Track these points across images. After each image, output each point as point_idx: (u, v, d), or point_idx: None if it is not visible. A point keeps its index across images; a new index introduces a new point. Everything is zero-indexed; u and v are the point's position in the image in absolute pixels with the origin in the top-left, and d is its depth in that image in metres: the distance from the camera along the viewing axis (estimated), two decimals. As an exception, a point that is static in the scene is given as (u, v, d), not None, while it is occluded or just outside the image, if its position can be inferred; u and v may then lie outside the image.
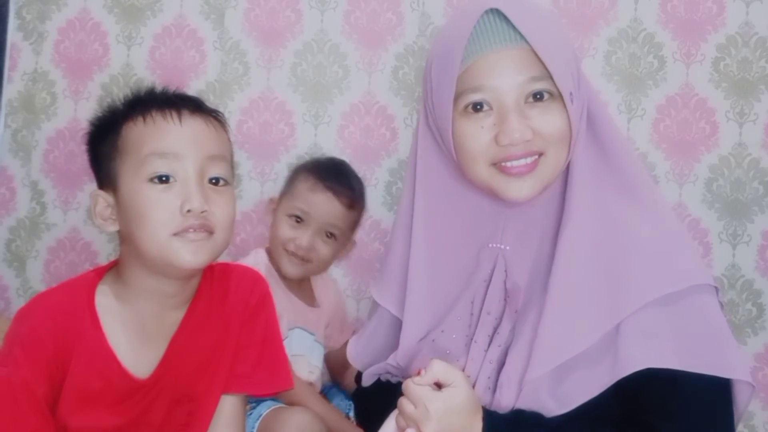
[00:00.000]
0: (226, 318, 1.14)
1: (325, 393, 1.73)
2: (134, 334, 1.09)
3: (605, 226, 1.09)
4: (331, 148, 1.99)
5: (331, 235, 1.67)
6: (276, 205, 1.73)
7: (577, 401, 1.03)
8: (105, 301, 1.09)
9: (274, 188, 2.00)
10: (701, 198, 1.93)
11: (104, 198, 1.08)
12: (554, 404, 1.04)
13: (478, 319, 1.14)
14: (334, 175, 1.70)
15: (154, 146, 1.04)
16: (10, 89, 2.09)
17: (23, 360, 1.03)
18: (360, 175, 1.98)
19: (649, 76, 1.95)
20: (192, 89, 2.01)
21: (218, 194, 1.06)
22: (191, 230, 1.03)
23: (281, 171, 2.00)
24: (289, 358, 1.61)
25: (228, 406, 1.14)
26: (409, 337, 1.18)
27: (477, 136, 1.07)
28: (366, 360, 1.26)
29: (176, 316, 1.11)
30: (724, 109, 1.92)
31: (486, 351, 1.11)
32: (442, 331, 1.15)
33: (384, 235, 1.97)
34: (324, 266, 1.72)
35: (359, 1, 2.01)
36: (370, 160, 2.00)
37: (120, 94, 1.92)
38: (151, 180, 1.03)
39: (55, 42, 2.08)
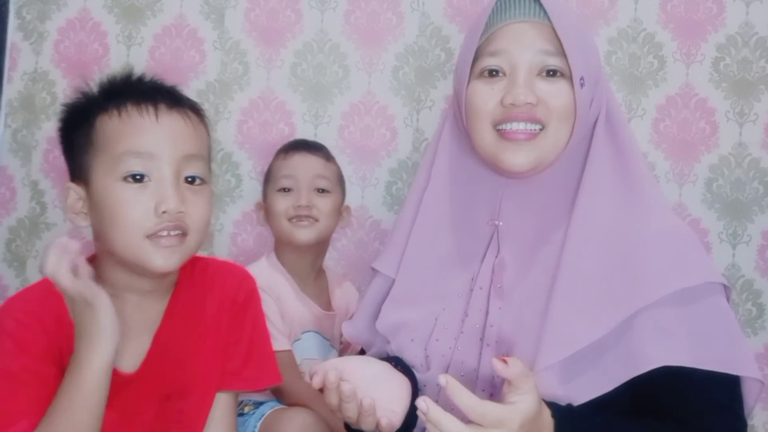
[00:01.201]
0: (213, 312, 1.13)
1: None
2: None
3: (619, 218, 1.11)
4: (331, 148, 1.97)
5: (322, 191, 1.70)
6: (263, 204, 1.76)
7: (588, 395, 1.04)
8: None
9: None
10: (701, 198, 1.93)
11: (76, 191, 1.05)
12: (564, 396, 1.04)
13: (470, 295, 1.16)
14: (300, 141, 1.80)
15: (129, 144, 1.01)
16: (10, 89, 2.09)
17: (16, 350, 1.01)
18: (360, 175, 1.99)
19: (649, 76, 1.95)
20: (192, 89, 2.01)
21: (194, 194, 1.04)
22: (165, 232, 1.01)
23: (281, 171, 2.01)
24: (301, 361, 1.62)
25: (219, 403, 1.13)
26: (400, 289, 1.20)
27: (486, 97, 1.12)
28: (364, 335, 1.27)
29: (158, 308, 1.10)
30: (724, 109, 1.92)
31: (483, 331, 1.12)
32: (444, 309, 1.17)
33: (384, 235, 1.97)
34: (331, 224, 1.73)
35: (359, 1, 2.01)
36: (370, 160, 2.00)
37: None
38: (125, 179, 1.01)
39: (55, 42, 2.08)
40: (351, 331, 1.29)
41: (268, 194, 1.74)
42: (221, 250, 2.00)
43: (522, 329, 1.10)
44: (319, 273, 1.77)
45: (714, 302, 1.07)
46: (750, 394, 1.09)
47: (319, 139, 1.99)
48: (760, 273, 1.91)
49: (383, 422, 1.02)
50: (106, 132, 1.03)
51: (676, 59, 1.94)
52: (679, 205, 1.91)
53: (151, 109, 1.03)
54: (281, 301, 1.64)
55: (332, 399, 1.04)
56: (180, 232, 1.02)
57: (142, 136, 1.01)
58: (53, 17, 2.08)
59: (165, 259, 1.01)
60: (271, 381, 1.18)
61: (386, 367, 1.11)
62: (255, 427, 1.51)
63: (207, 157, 1.09)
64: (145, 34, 2.05)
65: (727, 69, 1.93)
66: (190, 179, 1.04)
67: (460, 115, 1.18)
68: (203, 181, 1.06)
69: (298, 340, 1.65)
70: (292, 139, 1.90)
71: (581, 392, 1.04)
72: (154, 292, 1.09)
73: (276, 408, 1.54)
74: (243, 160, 2.01)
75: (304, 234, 1.67)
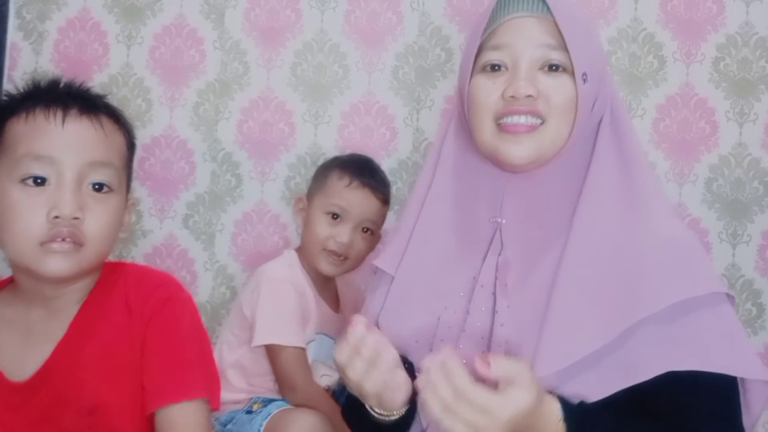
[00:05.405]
0: (124, 323, 1.05)
1: (337, 396, 1.73)
2: (19, 337, 1.04)
3: (621, 225, 1.10)
4: (331, 147, 1.99)
5: (367, 230, 1.68)
6: (305, 204, 1.71)
7: (584, 399, 1.03)
8: None
9: (274, 188, 2.00)
10: (701, 198, 1.93)
11: None
12: None
13: (472, 293, 1.15)
14: (369, 172, 1.70)
15: (29, 147, 0.98)
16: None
17: None
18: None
19: (649, 76, 1.95)
20: (192, 89, 2.02)
21: (97, 202, 1.00)
22: (58, 239, 0.96)
23: (281, 171, 2.01)
24: (311, 363, 1.62)
25: (165, 421, 1.02)
26: (400, 286, 1.19)
27: (488, 90, 1.12)
28: None
29: (66, 320, 1.05)
30: (724, 109, 1.93)
31: (491, 330, 1.11)
32: (445, 308, 1.16)
33: (384, 235, 1.97)
34: (359, 263, 1.71)
35: (359, 1, 2.01)
36: (370, 160, 2.00)
37: (119, 94, 1.90)
38: (24, 181, 0.97)
39: (55, 42, 2.08)
40: None
41: (313, 202, 1.68)
42: (221, 250, 2.00)
43: (524, 331, 1.09)
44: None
45: (717, 310, 1.06)
46: (757, 399, 1.06)
47: (319, 139, 2.00)
48: (760, 273, 1.91)
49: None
50: (12, 134, 1.00)
51: (676, 59, 1.94)
52: (679, 205, 1.91)
53: (59, 113, 1.00)
54: (303, 298, 1.63)
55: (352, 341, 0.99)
56: (74, 242, 0.97)
57: (43, 140, 0.98)
58: (53, 17, 2.07)
59: (57, 263, 0.97)
60: (198, 393, 1.05)
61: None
62: (261, 425, 1.51)
63: (119, 166, 1.04)
64: (145, 34, 2.05)
65: (727, 69, 1.93)
66: (97, 186, 1.00)
67: (462, 110, 1.18)
68: (111, 190, 1.02)
69: (312, 341, 1.65)
70: (346, 154, 1.82)
71: (577, 396, 1.03)
72: (62, 300, 1.05)
73: (283, 408, 1.54)
74: (243, 160, 2.01)
75: (330, 268, 1.66)
